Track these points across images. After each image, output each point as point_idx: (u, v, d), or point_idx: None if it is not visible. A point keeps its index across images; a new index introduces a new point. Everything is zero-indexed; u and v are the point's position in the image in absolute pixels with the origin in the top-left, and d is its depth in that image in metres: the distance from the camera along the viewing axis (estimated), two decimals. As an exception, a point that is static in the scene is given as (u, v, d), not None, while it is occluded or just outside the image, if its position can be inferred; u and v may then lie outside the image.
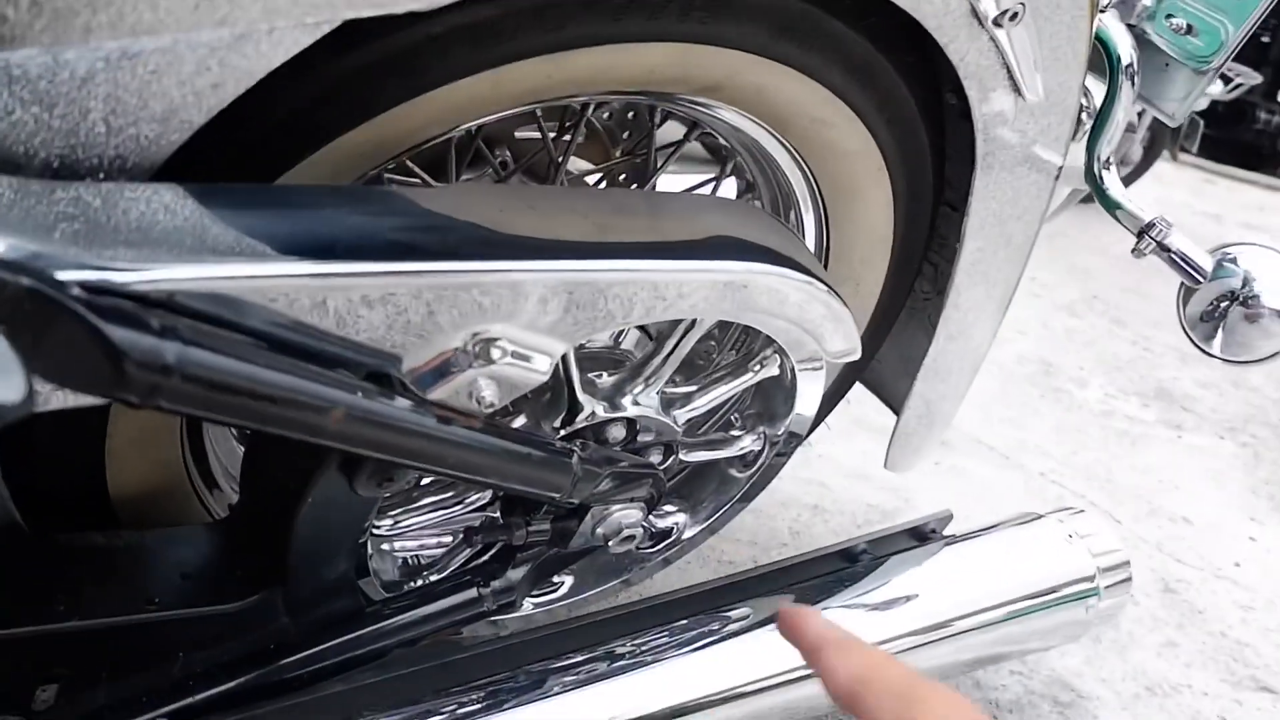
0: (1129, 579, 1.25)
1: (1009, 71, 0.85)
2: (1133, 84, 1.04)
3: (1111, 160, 1.09)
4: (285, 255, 0.61)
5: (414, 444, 0.67)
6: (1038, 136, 0.94)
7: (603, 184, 1.14)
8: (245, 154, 0.67)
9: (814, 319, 0.86)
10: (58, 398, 0.57)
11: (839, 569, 1.19)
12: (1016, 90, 0.87)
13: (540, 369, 0.72)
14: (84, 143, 0.58)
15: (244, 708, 0.82)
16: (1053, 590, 1.20)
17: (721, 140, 0.98)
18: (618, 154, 1.14)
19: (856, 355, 0.92)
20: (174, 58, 0.56)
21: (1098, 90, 1.06)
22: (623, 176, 1.13)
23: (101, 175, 0.60)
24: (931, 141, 0.96)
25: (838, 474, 1.87)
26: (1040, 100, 0.90)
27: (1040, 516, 1.26)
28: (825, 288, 0.86)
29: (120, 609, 0.78)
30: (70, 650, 0.78)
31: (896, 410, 1.25)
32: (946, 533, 1.27)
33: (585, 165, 1.13)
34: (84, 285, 0.52)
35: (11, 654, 0.76)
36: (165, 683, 0.82)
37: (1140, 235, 1.06)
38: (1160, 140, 4.01)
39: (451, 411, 0.70)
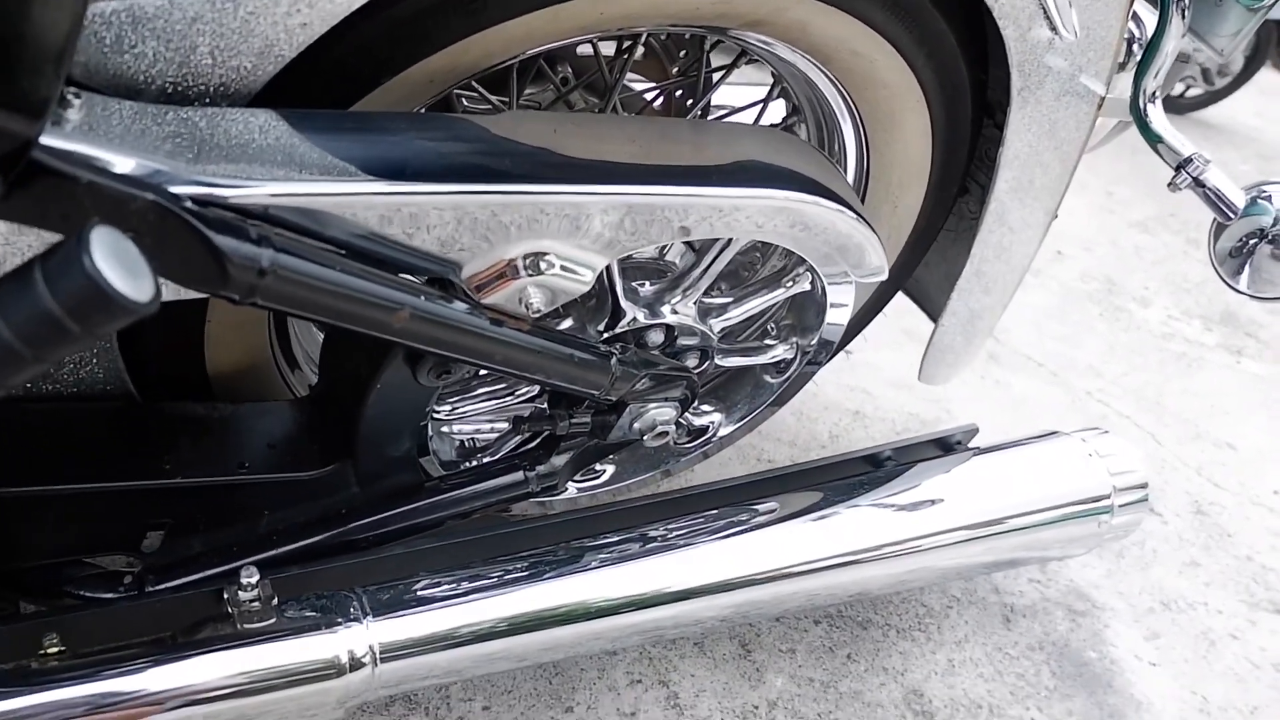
0: (1145, 499, 1.31)
1: (1044, 11, 0.89)
2: (1183, 18, 1.05)
3: (1158, 93, 1.11)
4: (363, 174, 0.70)
5: (468, 342, 0.77)
6: (1075, 72, 0.97)
7: (658, 100, 1.20)
8: (327, 82, 0.76)
9: (843, 242, 0.93)
10: (172, 291, 0.67)
11: (865, 472, 1.27)
12: (1052, 28, 0.91)
13: (584, 280, 0.81)
14: (193, 72, 0.67)
15: (316, 562, 0.95)
16: (1067, 504, 1.26)
17: (768, 66, 1.03)
18: (674, 72, 1.19)
19: (884, 276, 0.99)
20: (270, 6, 0.65)
21: (1150, 21, 1.07)
22: (679, 94, 1.18)
23: (207, 101, 0.69)
24: (971, 73, 1.00)
25: (881, 382, 1.93)
26: (1077, 37, 0.93)
27: (1063, 434, 1.32)
28: (854, 214, 0.92)
29: (216, 470, 0.90)
30: (174, 503, 0.92)
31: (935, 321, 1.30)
32: (972, 445, 1.34)
33: (642, 83, 1.19)
34: (194, 198, 0.62)
35: (126, 504, 0.89)
36: (251, 536, 0.95)
37: (1178, 170, 1.09)
38: (1265, 49, 3.84)
39: (503, 314, 0.79)
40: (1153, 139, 1.11)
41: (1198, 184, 1.08)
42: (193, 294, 0.69)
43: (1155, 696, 1.38)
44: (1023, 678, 1.37)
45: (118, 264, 0.50)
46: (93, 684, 0.79)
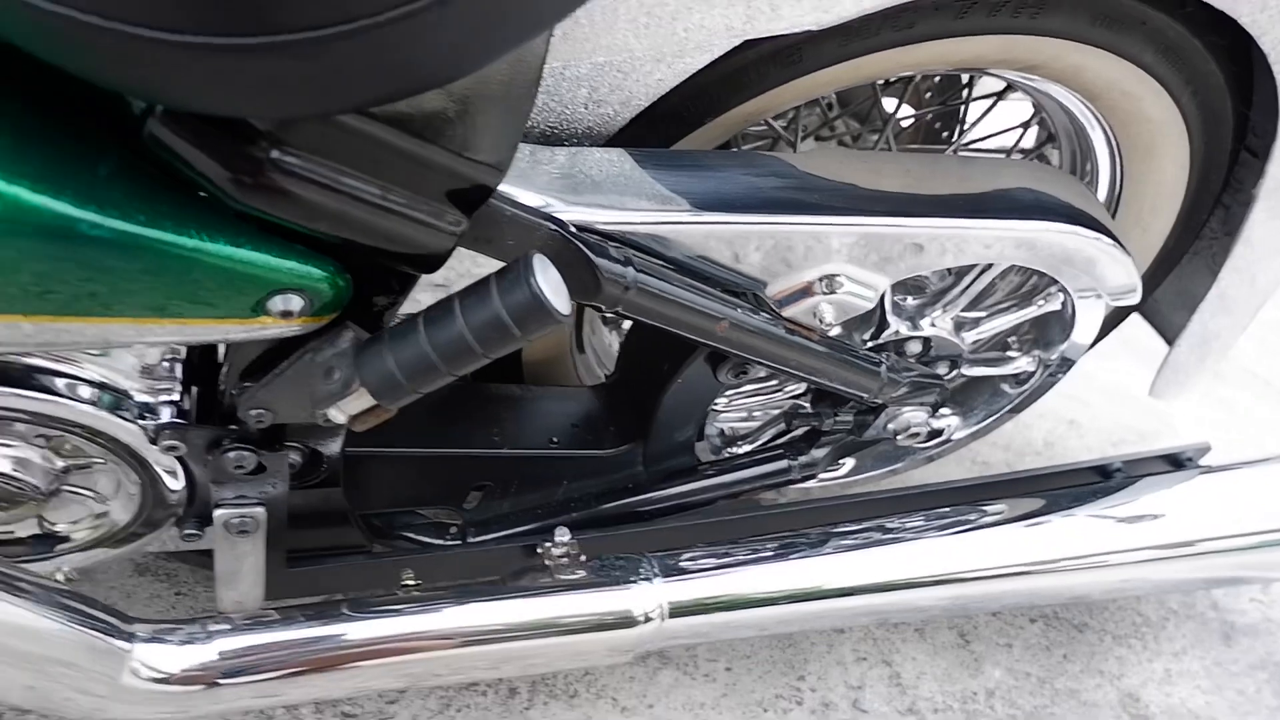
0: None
1: (1320, 56, 0.93)
2: None
3: None
4: (694, 205, 0.84)
5: (769, 348, 0.90)
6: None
7: (912, 126, 1.29)
8: (658, 122, 0.89)
9: (1100, 267, 1.00)
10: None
11: (1093, 482, 1.33)
12: (1326, 70, 0.95)
13: (870, 298, 0.92)
14: (569, 118, 0.82)
15: (604, 528, 1.10)
16: (1297, 529, 1.28)
17: (1030, 99, 1.11)
18: (937, 101, 1.28)
19: (1137, 299, 1.05)
20: (637, 64, 0.79)
21: None
22: (936, 124, 1.27)
23: (574, 141, 0.84)
24: (1235, 108, 1.05)
25: (1098, 392, 1.95)
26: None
27: (1301, 458, 1.33)
28: (1114, 242, 0.99)
29: (533, 444, 1.07)
30: (494, 468, 1.08)
31: (1169, 340, 1.34)
32: (1202, 463, 1.37)
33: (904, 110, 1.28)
34: (576, 224, 0.77)
35: (457, 466, 1.06)
36: (553, 501, 1.11)
37: None
38: None
39: (798, 325, 0.91)
40: None
41: None
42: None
43: (1386, 725, 1.38)
44: (1243, 694, 1.39)
45: (549, 284, 0.65)
46: (440, 613, 0.96)
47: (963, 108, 1.17)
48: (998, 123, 1.22)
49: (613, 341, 1.29)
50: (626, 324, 1.32)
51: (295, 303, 0.65)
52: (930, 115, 1.26)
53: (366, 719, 1.18)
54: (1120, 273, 1.02)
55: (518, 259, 0.65)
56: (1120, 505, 1.29)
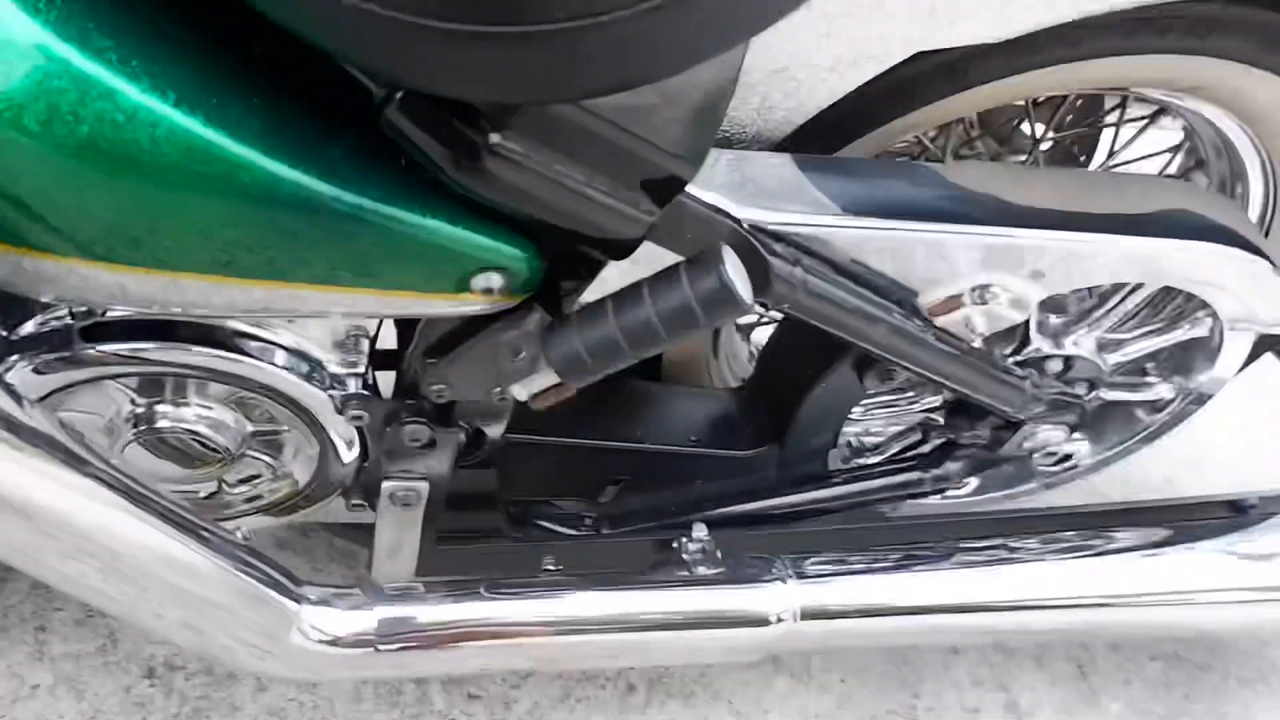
0: None
1: None
2: None
3: None
4: (853, 211, 0.86)
5: (922, 355, 0.91)
6: None
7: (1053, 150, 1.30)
8: (821, 130, 0.92)
9: (1256, 293, 0.99)
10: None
11: (1225, 516, 1.30)
12: None
13: (1022, 311, 0.93)
14: (740, 122, 0.85)
15: (733, 528, 1.12)
16: None
17: (1184, 123, 1.11)
18: (1085, 122, 1.28)
19: (1289, 329, 1.04)
20: (812, 72, 0.82)
21: None
22: (1074, 147, 1.27)
23: (743, 144, 0.87)
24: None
25: (1222, 431, 1.89)
26: None
27: None
28: (1271, 265, 0.99)
29: (674, 440, 1.09)
30: (634, 462, 1.11)
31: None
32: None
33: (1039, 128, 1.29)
34: (750, 223, 0.80)
35: (601, 458, 1.10)
36: (686, 498, 1.14)
37: None
38: None
39: (948, 334, 0.92)
40: None
41: None
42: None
43: None
44: (1373, 748, 1.34)
45: (738, 275, 0.68)
46: (576, 599, 0.99)
47: (1113, 130, 1.17)
48: (1143, 146, 1.22)
49: (743, 348, 1.31)
50: (756, 332, 1.34)
51: (496, 281, 0.69)
52: (1070, 138, 1.26)
53: (491, 702, 1.21)
54: (1276, 300, 1.01)
55: (707, 249, 0.68)
56: (1252, 541, 1.26)
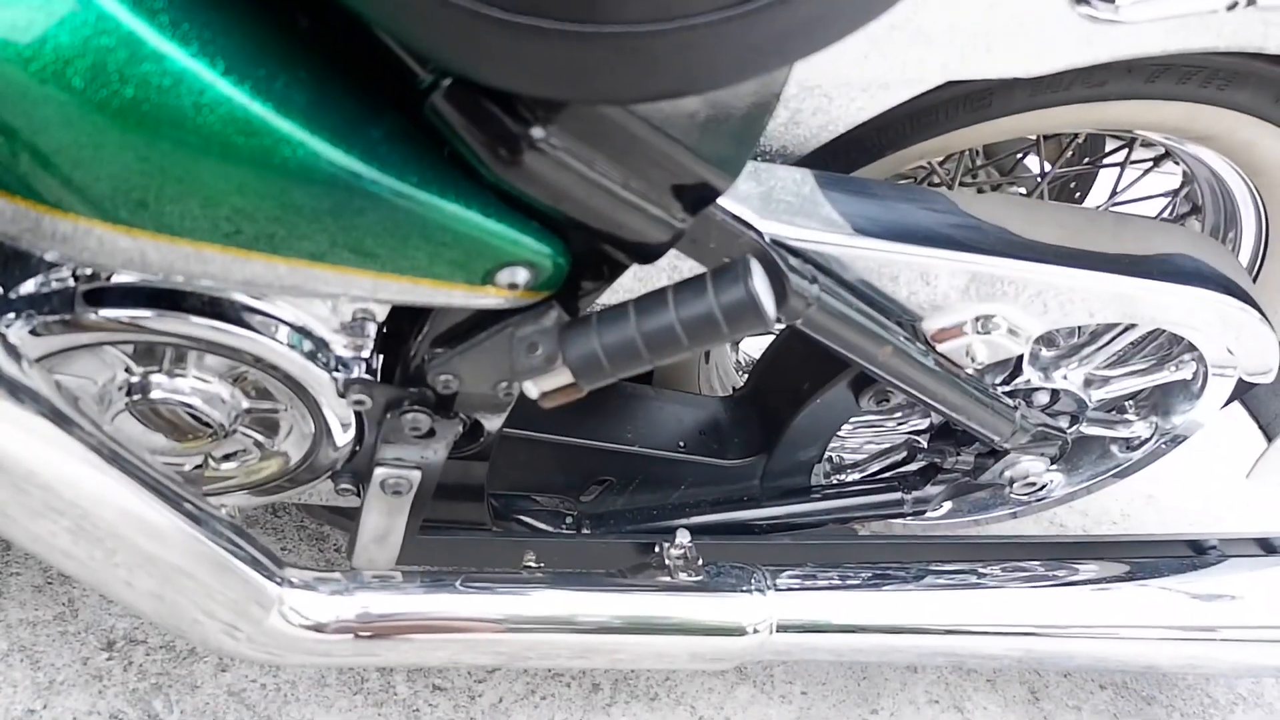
0: None
1: None
2: None
3: None
4: (872, 234, 0.86)
5: (921, 379, 0.92)
6: None
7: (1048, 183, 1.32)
8: (841, 149, 0.92)
9: (1245, 341, 1.02)
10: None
11: (1184, 555, 1.33)
12: None
13: (1022, 342, 0.94)
14: (766, 136, 0.85)
15: (714, 536, 1.12)
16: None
17: (1185, 169, 1.13)
18: (1075, 157, 1.30)
19: (1271, 378, 1.06)
20: (845, 92, 0.82)
21: None
22: (1071, 184, 1.30)
23: (765, 157, 0.87)
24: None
25: (1180, 470, 1.94)
26: None
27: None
28: (1259, 315, 1.01)
29: (662, 445, 1.09)
30: (618, 464, 1.11)
31: (1269, 433, 1.34)
32: (1298, 552, 1.37)
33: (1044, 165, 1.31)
34: (772, 237, 0.80)
35: (589, 458, 1.09)
36: (668, 504, 1.13)
37: None
38: None
39: (949, 360, 0.93)
40: None
41: None
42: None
43: None
44: (1308, 788, 1.38)
45: (763, 287, 0.68)
46: (560, 595, 0.99)
47: (1116, 170, 1.19)
48: (1143, 188, 1.25)
49: (730, 358, 1.31)
50: (744, 343, 1.35)
51: (521, 276, 0.68)
52: (1071, 175, 1.28)
53: (456, 694, 1.20)
54: (1263, 349, 1.03)
55: (735, 260, 0.68)
56: (1207, 582, 1.29)
